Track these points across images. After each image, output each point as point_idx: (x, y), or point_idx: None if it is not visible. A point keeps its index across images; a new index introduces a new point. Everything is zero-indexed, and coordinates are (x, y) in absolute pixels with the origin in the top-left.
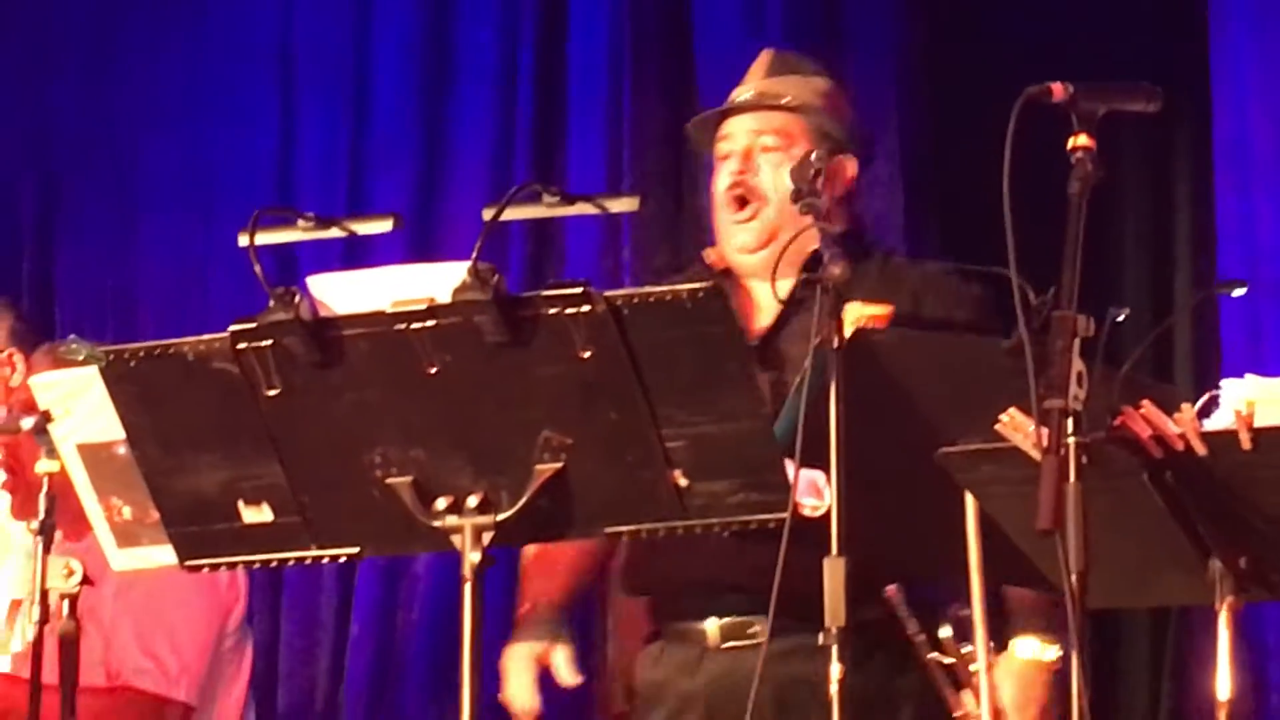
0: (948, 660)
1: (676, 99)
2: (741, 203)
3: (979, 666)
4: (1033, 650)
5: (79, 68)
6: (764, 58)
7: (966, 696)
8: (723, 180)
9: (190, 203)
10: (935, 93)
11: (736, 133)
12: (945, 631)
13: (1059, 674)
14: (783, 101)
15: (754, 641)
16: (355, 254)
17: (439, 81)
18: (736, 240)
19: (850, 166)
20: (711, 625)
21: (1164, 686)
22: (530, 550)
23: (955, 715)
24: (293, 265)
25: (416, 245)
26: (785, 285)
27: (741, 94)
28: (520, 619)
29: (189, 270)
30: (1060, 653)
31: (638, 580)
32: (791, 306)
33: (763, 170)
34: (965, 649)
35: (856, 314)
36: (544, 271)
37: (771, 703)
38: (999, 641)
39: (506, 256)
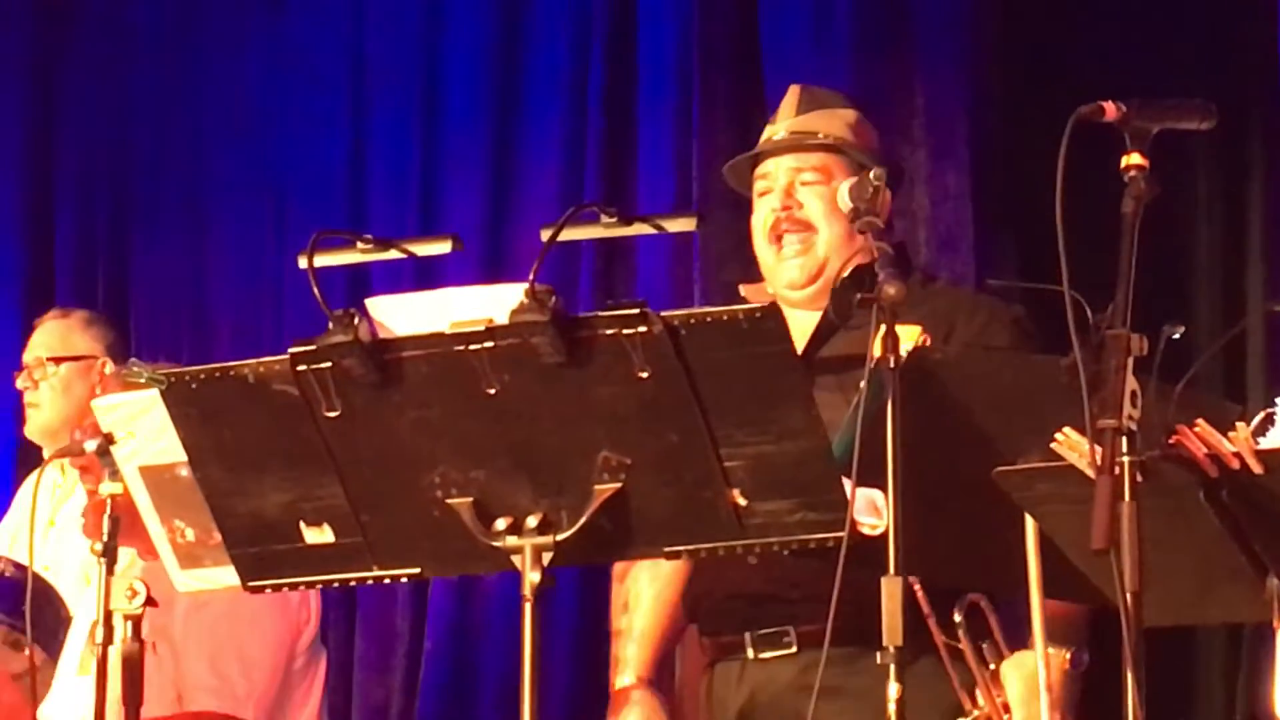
0: (959, 645)
1: (745, 112)
2: (787, 236)
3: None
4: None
5: (155, 78)
6: (792, 94)
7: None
8: (765, 217)
9: (262, 216)
10: (1007, 104)
11: (775, 171)
12: (958, 617)
13: (1072, 674)
14: (818, 138)
15: (789, 651)
16: (427, 272)
17: (509, 95)
18: (785, 277)
19: (887, 195)
20: (748, 637)
21: (1238, 702)
22: (623, 607)
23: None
24: (365, 283)
25: (488, 260)
26: (813, 316)
27: (775, 133)
28: (622, 694)
29: (263, 285)
30: (1069, 654)
31: (688, 605)
32: (825, 328)
33: (808, 203)
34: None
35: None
36: (615, 288)
37: (817, 711)
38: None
39: (577, 273)
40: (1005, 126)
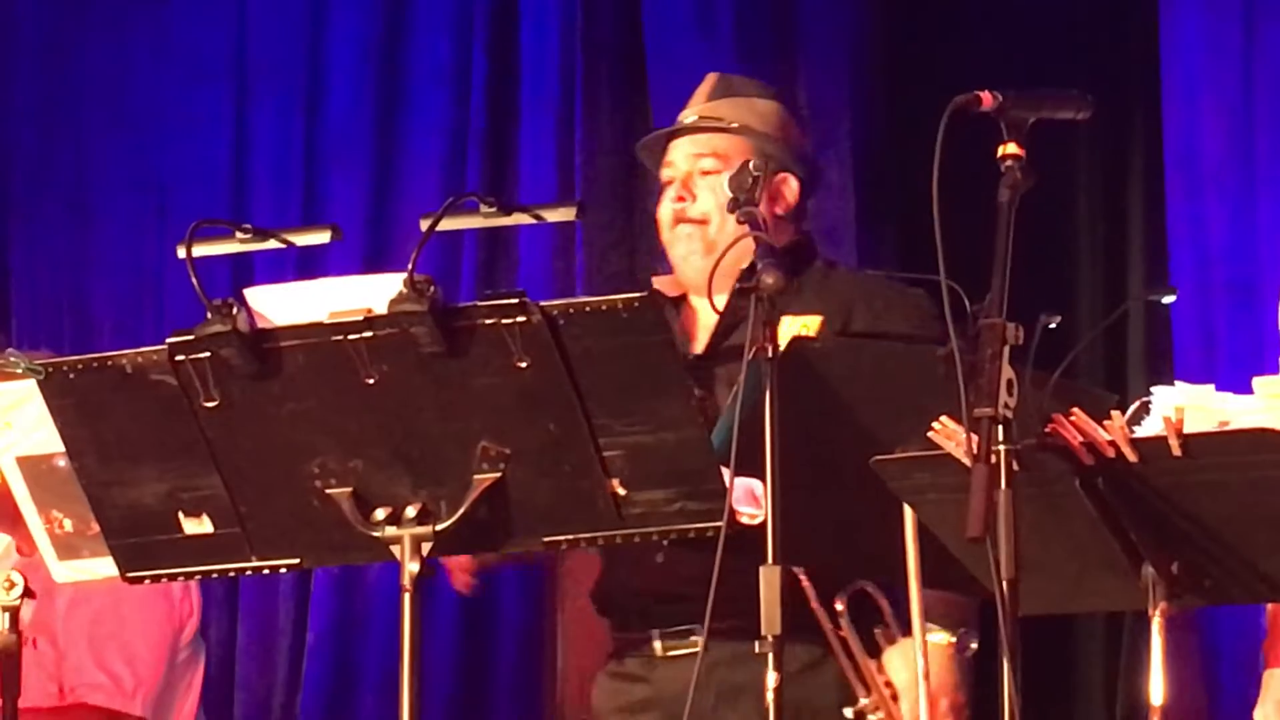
0: (840, 632)
1: (628, 107)
2: (680, 228)
3: (919, 668)
4: (932, 634)
5: (34, 75)
6: (708, 81)
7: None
8: (665, 208)
9: (145, 209)
10: (889, 99)
11: (677, 159)
12: (839, 605)
13: (957, 658)
14: (721, 124)
15: (697, 649)
16: (310, 264)
17: (392, 88)
18: (677, 250)
19: (792, 185)
20: (655, 635)
21: (1119, 690)
22: None
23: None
24: (248, 275)
25: (371, 251)
26: (721, 300)
27: (685, 118)
28: None
29: (145, 278)
30: (954, 638)
31: (596, 598)
32: (727, 319)
33: (701, 195)
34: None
35: (788, 330)
36: (496, 280)
37: (713, 710)
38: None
39: (459, 265)
40: (887, 120)
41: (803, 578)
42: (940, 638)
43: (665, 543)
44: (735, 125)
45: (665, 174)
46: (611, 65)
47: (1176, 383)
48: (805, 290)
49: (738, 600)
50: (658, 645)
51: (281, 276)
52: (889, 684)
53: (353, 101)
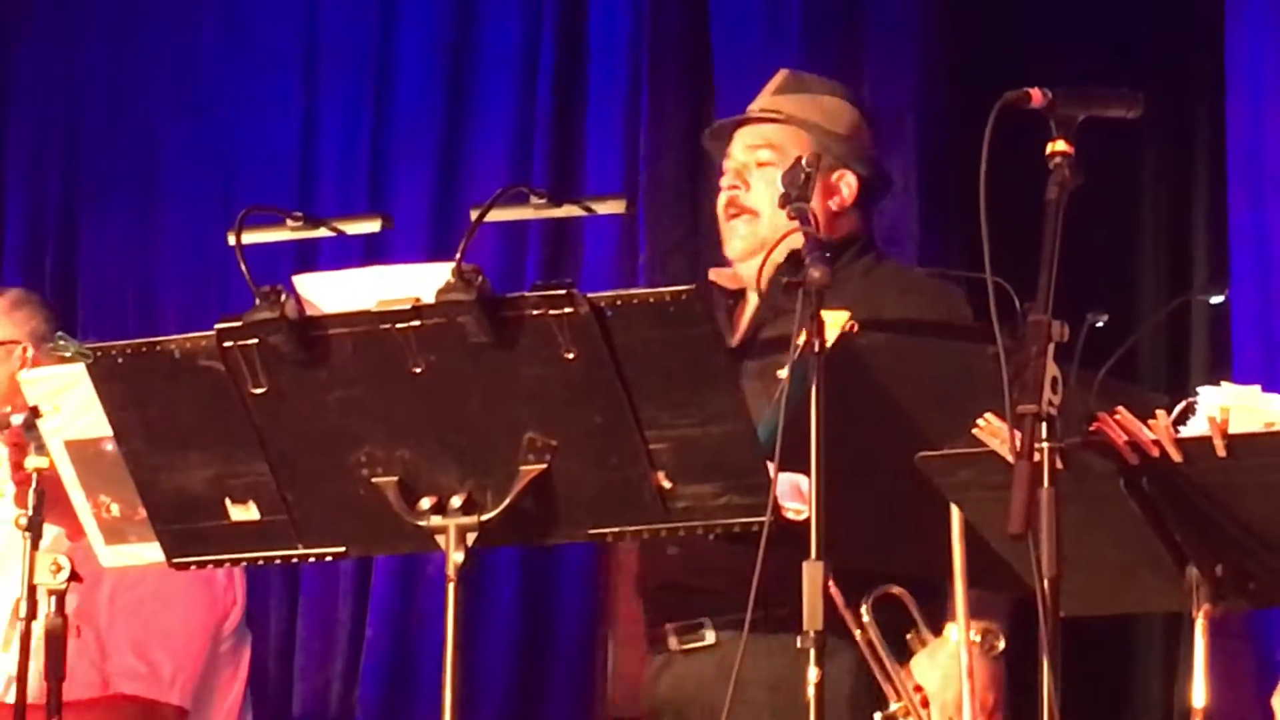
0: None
1: (694, 101)
2: (733, 220)
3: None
4: (959, 635)
5: (106, 57)
6: (779, 76)
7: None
8: (721, 198)
9: (211, 196)
10: (955, 99)
11: (736, 149)
12: (864, 610)
13: (984, 657)
14: (780, 117)
15: (708, 643)
16: (374, 253)
17: (460, 78)
18: (729, 247)
19: (850, 182)
20: (669, 630)
21: (1175, 696)
22: None
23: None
24: (313, 266)
25: (436, 242)
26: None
27: (750, 110)
28: None
29: (211, 264)
30: (979, 637)
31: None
32: (762, 313)
33: (755, 187)
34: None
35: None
36: (561, 275)
37: (735, 701)
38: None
39: (524, 262)
40: (950, 121)
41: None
42: (975, 637)
43: (712, 536)
44: (796, 119)
45: (725, 166)
46: (679, 59)
47: (1222, 383)
48: (849, 284)
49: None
50: (672, 640)
51: (346, 267)
52: (918, 688)
53: (421, 91)
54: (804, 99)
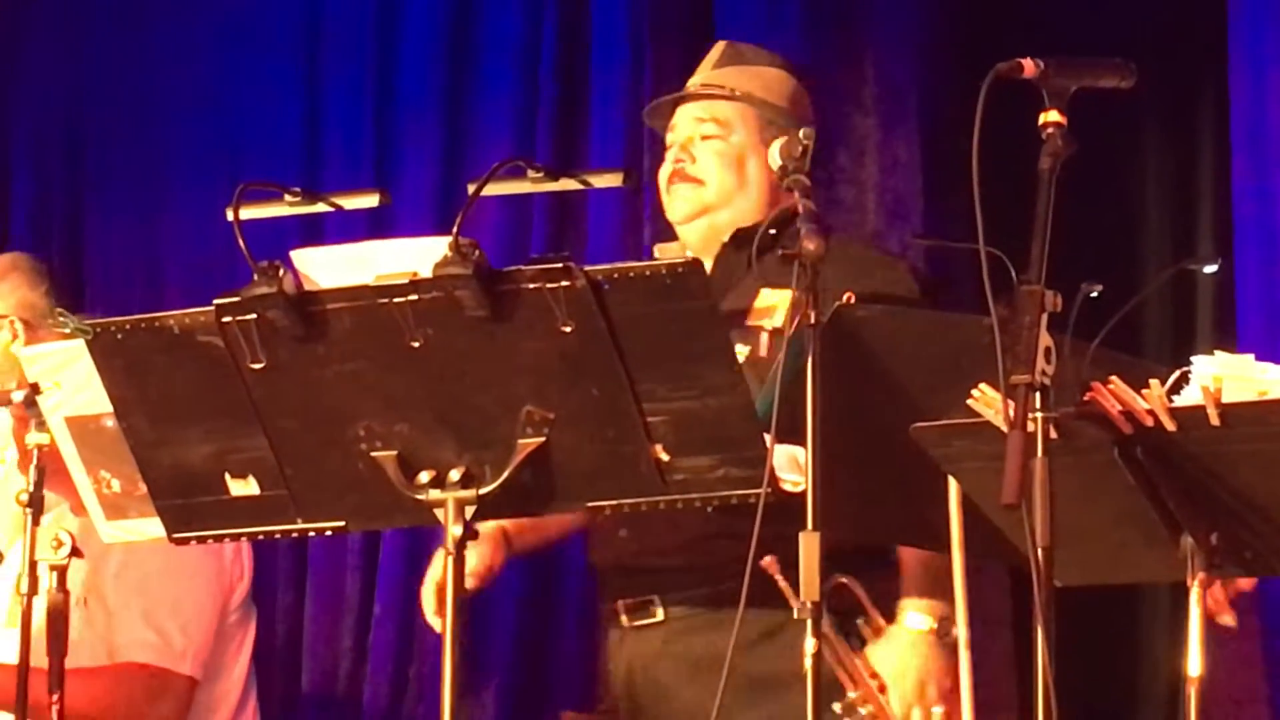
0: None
1: None
2: (676, 186)
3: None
4: (915, 622)
5: (109, 44)
6: (716, 49)
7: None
8: (664, 169)
9: (217, 180)
10: (957, 73)
11: (680, 123)
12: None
13: (939, 644)
14: (723, 91)
15: (656, 620)
16: (382, 229)
17: (462, 61)
18: (673, 211)
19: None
20: (620, 607)
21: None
22: None
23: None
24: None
25: (441, 224)
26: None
27: (691, 84)
28: None
29: (215, 250)
30: (935, 624)
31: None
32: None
33: (701, 158)
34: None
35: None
36: (565, 250)
37: (681, 677)
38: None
39: (529, 236)
40: (954, 96)
41: (775, 570)
42: (922, 624)
43: (710, 509)
44: (737, 92)
45: (669, 139)
46: (681, 41)
47: (1215, 352)
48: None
49: (708, 569)
50: (624, 618)
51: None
52: (875, 675)
53: (423, 74)
54: (744, 70)
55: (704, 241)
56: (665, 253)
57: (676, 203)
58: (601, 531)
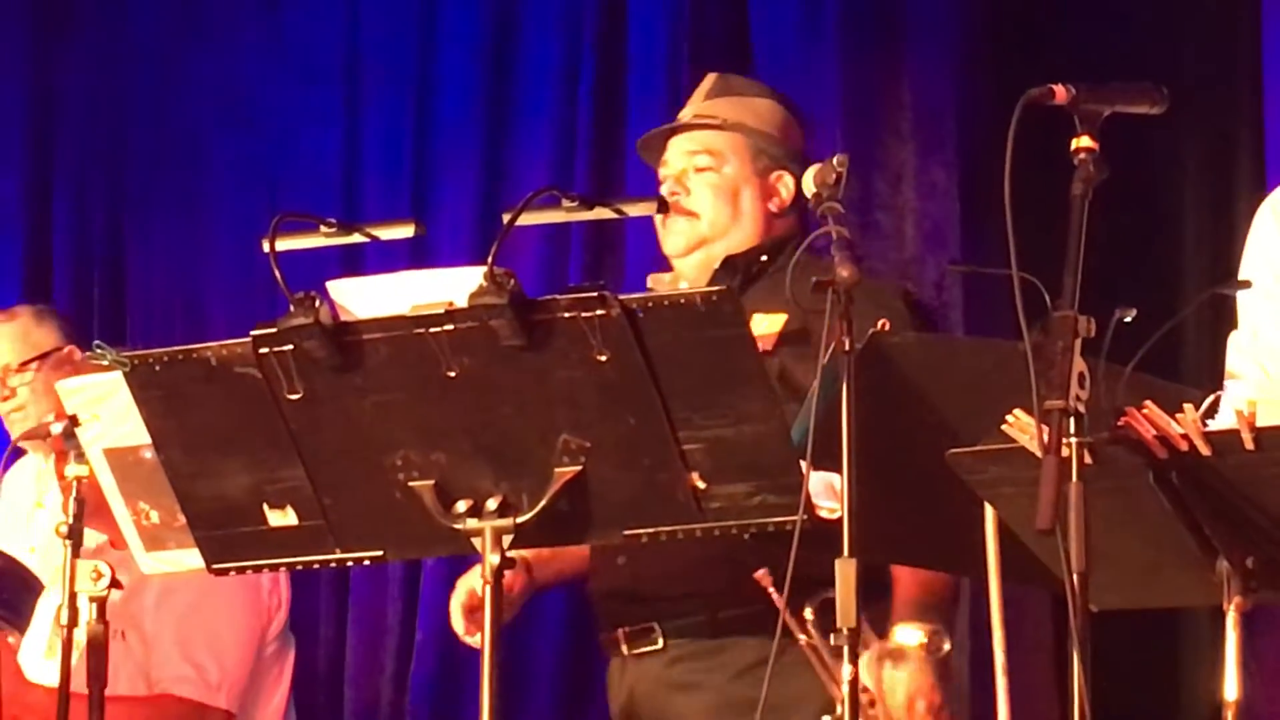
0: (810, 641)
1: None
2: (671, 221)
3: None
4: (905, 637)
5: (151, 73)
6: (707, 80)
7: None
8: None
9: (257, 209)
10: (996, 100)
11: (672, 156)
12: (809, 613)
13: (930, 658)
14: (715, 122)
15: (656, 647)
16: (421, 258)
17: (501, 89)
18: (669, 244)
19: (788, 183)
20: (621, 636)
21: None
22: None
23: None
24: (360, 270)
25: (480, 251)
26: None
27: (682, 116)
28: None
29: (257, 278)
30: (926, 638)
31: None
32: None
33: (695, 191)
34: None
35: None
36: (603, 279)
37: (681, 705)
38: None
39: (567, 265)
40: (993, 122)
41: (769, 584)
42: (912, 638)
43: (747, 536)
44: (729, 123)
45: (662, 172)
46: (719, 67)
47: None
48: (782, 287)
49: (707, 596)
50: (624, 645)
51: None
52: (865, 690)
53: (462, 101)
54: (735, 102)
55: (700, 274)
56: (659, 284)
57: (672, 236)
58: (600, 559)
